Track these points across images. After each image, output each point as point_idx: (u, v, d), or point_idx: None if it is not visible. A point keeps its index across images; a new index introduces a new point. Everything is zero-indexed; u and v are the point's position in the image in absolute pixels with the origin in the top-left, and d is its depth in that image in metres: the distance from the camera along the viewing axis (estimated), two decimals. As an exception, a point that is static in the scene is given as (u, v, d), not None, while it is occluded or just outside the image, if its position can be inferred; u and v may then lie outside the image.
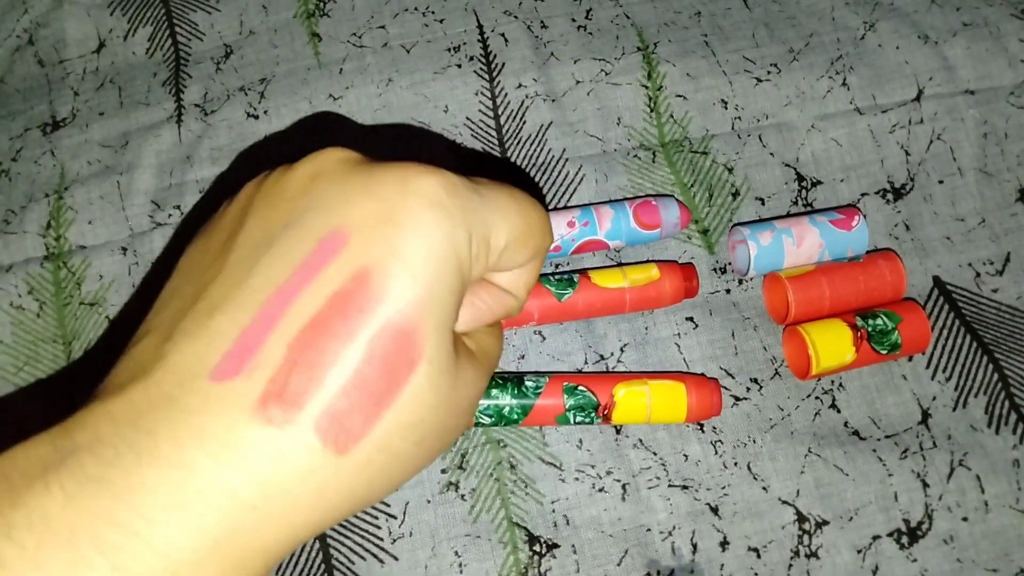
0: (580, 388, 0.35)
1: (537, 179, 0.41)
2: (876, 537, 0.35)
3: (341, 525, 0.35)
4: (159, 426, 0.16)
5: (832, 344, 0.35)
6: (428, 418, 0.19)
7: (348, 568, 0.34)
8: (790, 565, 0.34)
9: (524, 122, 0.42)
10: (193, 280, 0.20)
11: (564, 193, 0.40)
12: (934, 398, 0.37)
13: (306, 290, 0.17)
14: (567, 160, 0.41)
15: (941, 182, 0.41)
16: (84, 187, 0.41)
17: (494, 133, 0.42)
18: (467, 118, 0.42)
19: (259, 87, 0.43)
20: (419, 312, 0.18)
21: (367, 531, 0.35)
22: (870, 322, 0.36)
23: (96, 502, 0.15)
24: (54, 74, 0.44)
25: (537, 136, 0.42)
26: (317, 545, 0.34)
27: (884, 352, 0.36)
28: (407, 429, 0.18)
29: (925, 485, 0.35)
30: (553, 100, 0.42)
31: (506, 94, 0.42)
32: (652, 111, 0.42)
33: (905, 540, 0.35)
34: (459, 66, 0.43)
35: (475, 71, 0.43)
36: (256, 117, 0.42)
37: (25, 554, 0.14)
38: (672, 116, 0.42)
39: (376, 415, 0.17)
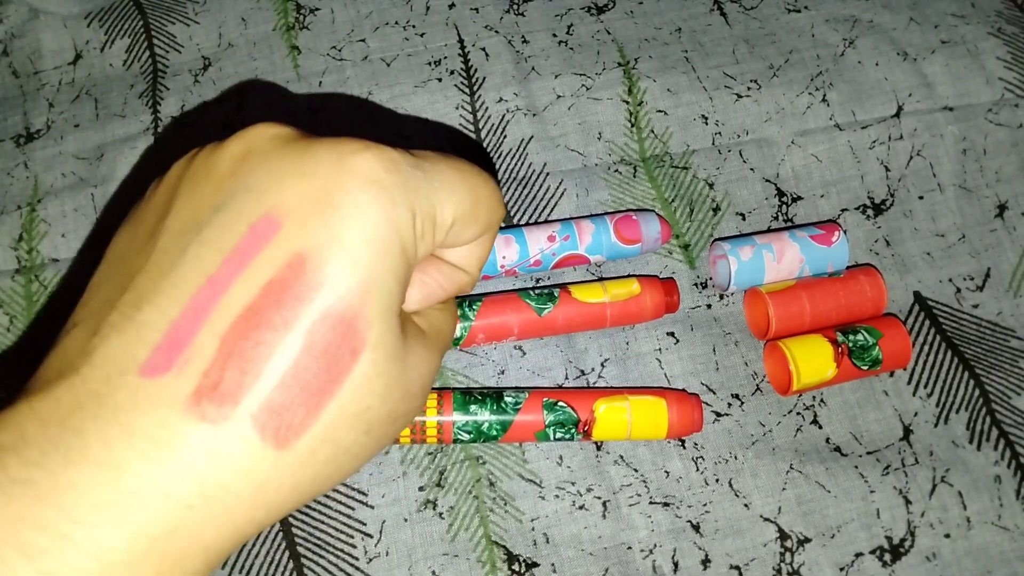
0: (560, 404, 0.34)
1: (518, 193, 0.40)
2: (859, 555, 0.34)
3: (315, 544, 0.34)
4: (87, 424, 0.16)
5: (813, 360, 0.35)
6: (376, 406, 0.18)
7: (322, 589, 0.33)
8: (772, 584, 0.34)
9: (505, 136, 0.42)
10: (120, 269, 0.19)
11: (545, 207, 0.40)
12: (916, 414, 0.37)
13: (238, 279, 0.17)
14: (548, 174, 0.41)
15: (921, 198, 0.41)
16: (58, 199, 0.40)
17: (475, 147, 0.41)
18: (447, 131, 0.42)
19: (236, 99, 0.42)
20: (360, 298, 0.17)
21: (342, 551, 0.34)
22: (851, 337, 0.36)
23: (20, 505, 0.15)
24: (29, 85, 0.43)
25: (518, 150, 0.41)
26: (291, 565, 0.34)
27: (865, 368, 0.35)
28: (353, 419, 0.18)
29: (907, 502, 0.35)
30: (534, 114, 0.42)
31: (487, 108, 0.42)
32: (633, 126, 0.42)
33: (888, 557, 0.34)
34: (440, 80, 0.43)
35: (456, 85, 0.43)
36: (234, 129, 0.41)
37: None
38: (653, 131, 0.42)
39: (319, 407, 0.17)
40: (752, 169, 0.41)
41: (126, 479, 0.15)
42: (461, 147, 0.41)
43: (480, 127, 0.42)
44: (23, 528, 0.15)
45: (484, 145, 0.41)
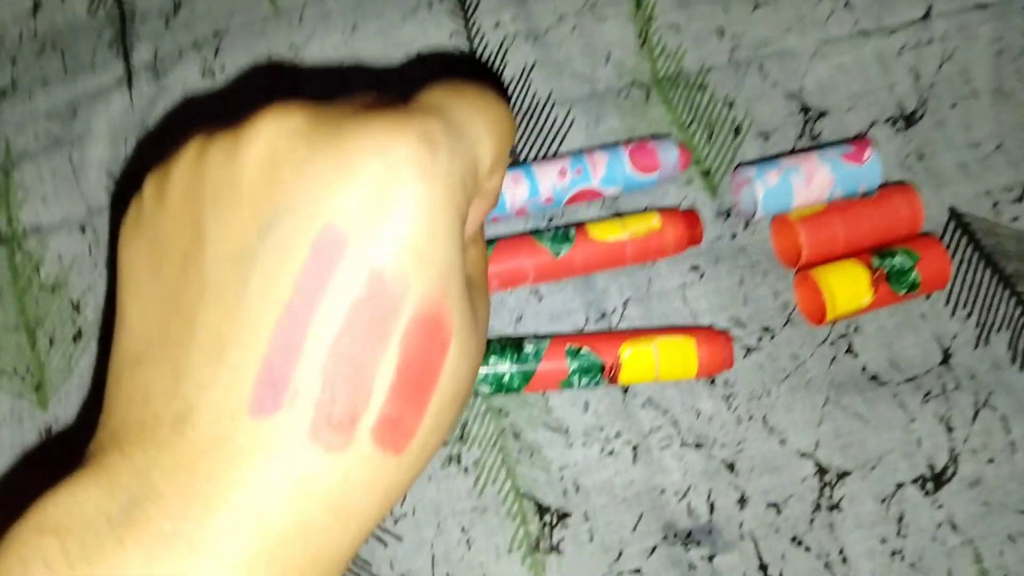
0: (583, 350, 0.32)
1: (523, 126, 0.38)
2: (900, 485, 0.33)
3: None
4: (217, 470, 0.16)
5: (848, 287, 0.33)
6: (467, 380, 0.19)
7: (350, 554, 0.32)
8: (812, 519, 0.33)
9: (505, 65, 0.39)
10: (162, 298, 0.18)
11: (553, 140, 0.38)
12: (955, 336, 0.35)
13: (320, 304, 0.16)
14: (554, 104, 0.38)
15: (954, 106, 0.38)
16: (34, 163, 0.38)
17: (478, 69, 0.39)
18: (442, 60, 0.39)
19: (213, 42, 0.39)
20: (441, 292, 0.17)
21: (367, 515, 0.33)
22: (888, 261, 0.34)
23: (176, 557, 0.15)
24: (-11, 40, 0.40)
25: (520, 79, 0.38)
26: (315, 532, 0.33)
27: (903, 292, 0.34)
28: (452, 401, 0.18)
29: (949, 429, 0.34)
30: (535, 38, 0.39)
31: (483, 35, 0.39)
32: (643, 45, 0.39)
33: (930, 486, 0.33)
34: (430, 6, 0.39)
35: (448, 11, 0.39)
36: (213, 75, 0.38)
37: None
38: (665, 49, 0.39)
39: (424, 405, 0.17)
40: (774, 84, 0.38)
41: (268, 520, 0.16)
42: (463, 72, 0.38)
43: (477, 56, 0.39)
44: None
45: (482, 76, 0.39)
